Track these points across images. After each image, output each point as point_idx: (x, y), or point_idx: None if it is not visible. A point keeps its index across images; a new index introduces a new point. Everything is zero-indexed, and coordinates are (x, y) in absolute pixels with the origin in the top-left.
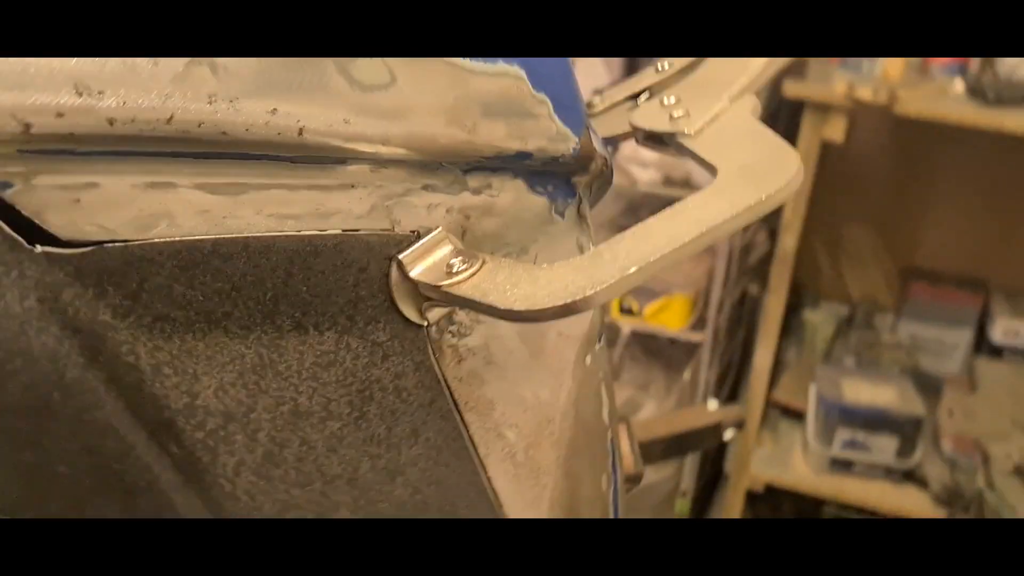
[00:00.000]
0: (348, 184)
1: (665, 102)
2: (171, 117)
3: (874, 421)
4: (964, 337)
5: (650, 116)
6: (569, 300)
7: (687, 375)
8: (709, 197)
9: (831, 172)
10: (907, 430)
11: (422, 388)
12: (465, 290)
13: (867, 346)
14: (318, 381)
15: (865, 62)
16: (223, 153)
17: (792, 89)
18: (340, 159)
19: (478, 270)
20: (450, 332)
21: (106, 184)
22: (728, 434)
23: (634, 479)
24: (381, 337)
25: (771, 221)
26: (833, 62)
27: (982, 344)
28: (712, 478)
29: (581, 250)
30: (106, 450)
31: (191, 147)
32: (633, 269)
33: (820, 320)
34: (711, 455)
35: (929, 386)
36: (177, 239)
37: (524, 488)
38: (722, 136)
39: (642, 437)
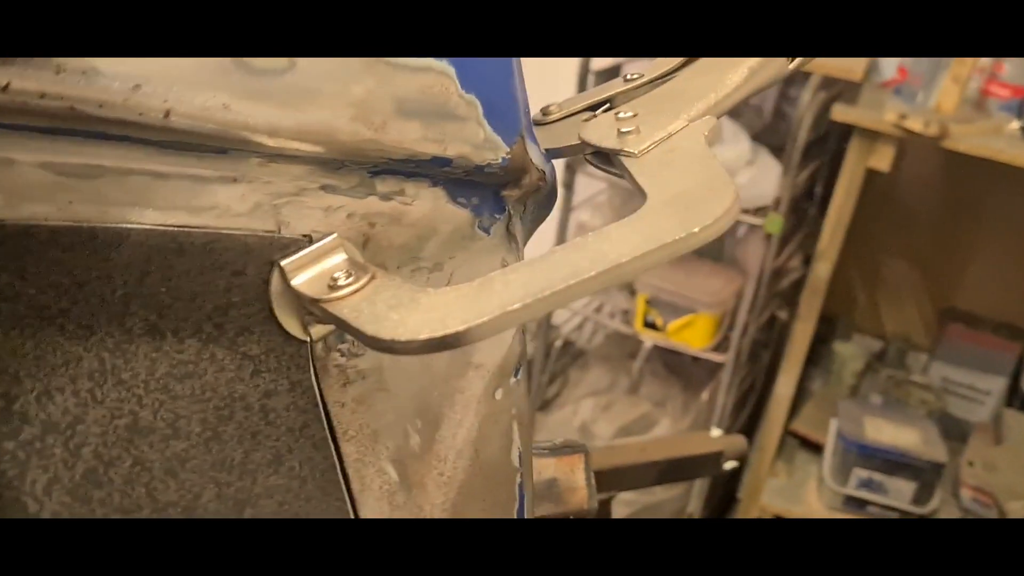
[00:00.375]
0: (229, 177)
1: (620, 116)
2: (7, 85)
3: (893, 463)
4: (998, 385)
5: (599, 130)
6: (439, 334)
7: (706, 395)
8: (626, 228)
9: (874, 202)
10: (926, 475)
11: (295, 410)
12: (341, 308)
13: (896, 384)
14: (168, 394)
15: (920, 92)
16: (75, 131)
17: (841, 114)
18: (220, 148)
19: (362, 287)
20: (339, 351)
21: None
22: (728, 465)
23: (586, 515)
24: (254, 350)
25: (806, 247)
26: (887, 89)
27: (1015, 394)
28: (722, 502)
29: None
30: None
31: (35, 121)
32: (516, 306)
33: (850, 353)
34: (723, 479)
35: (955, 432)
36: (8, 222)
37: None
38: (666, 160)
39: (637, 459)
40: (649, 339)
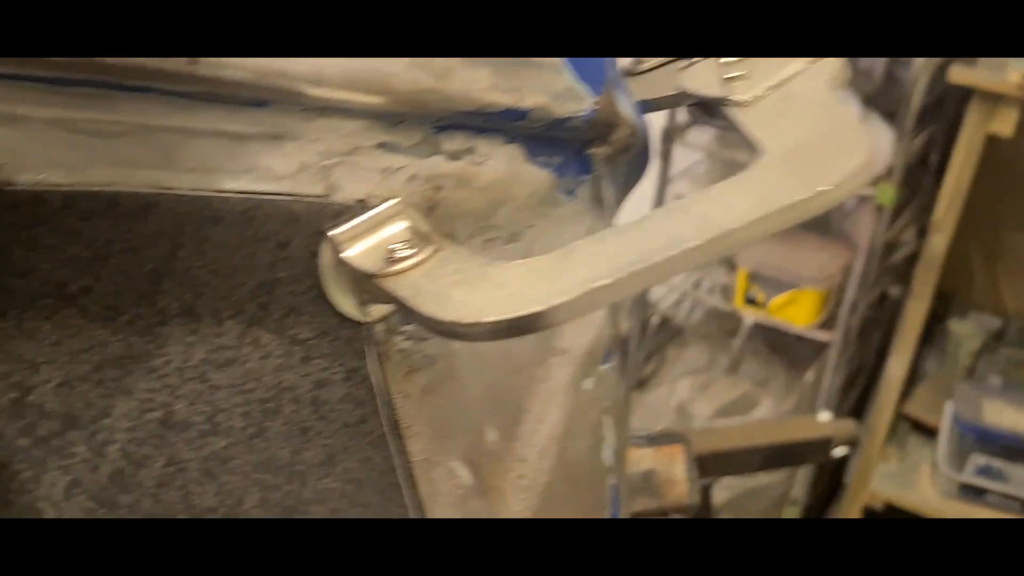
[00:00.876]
0: (270, 134)
1: (725, 59)
2: None
3: (1014, 448)
4: None
5: (701, 77)
6: (508, 316)
7: (810, 376)
8: (735, 188)
9: (996, 170)
10: None
11: (351, 403)
12: (399, 285)
13: (1016, 365)
14: (206, 384)
15: None
16: (91, 81)
17: (959, 75)
18: (258, 101)
19: (425, 260)
20: (403, 334)
21: None
22: (838, 451)
23: (686, 510)
24: (303, 333)
25: (921, 218)
26: None
27: None
28: (829, 488)
29: None
30: None
31: (46, 71)
32: (605, 281)
33: (967, 332)
34: (831, 463)
35: None
36: (17, 188)
37: None
38: (782, 108)
39: (740, 444)
40: (750, 316)
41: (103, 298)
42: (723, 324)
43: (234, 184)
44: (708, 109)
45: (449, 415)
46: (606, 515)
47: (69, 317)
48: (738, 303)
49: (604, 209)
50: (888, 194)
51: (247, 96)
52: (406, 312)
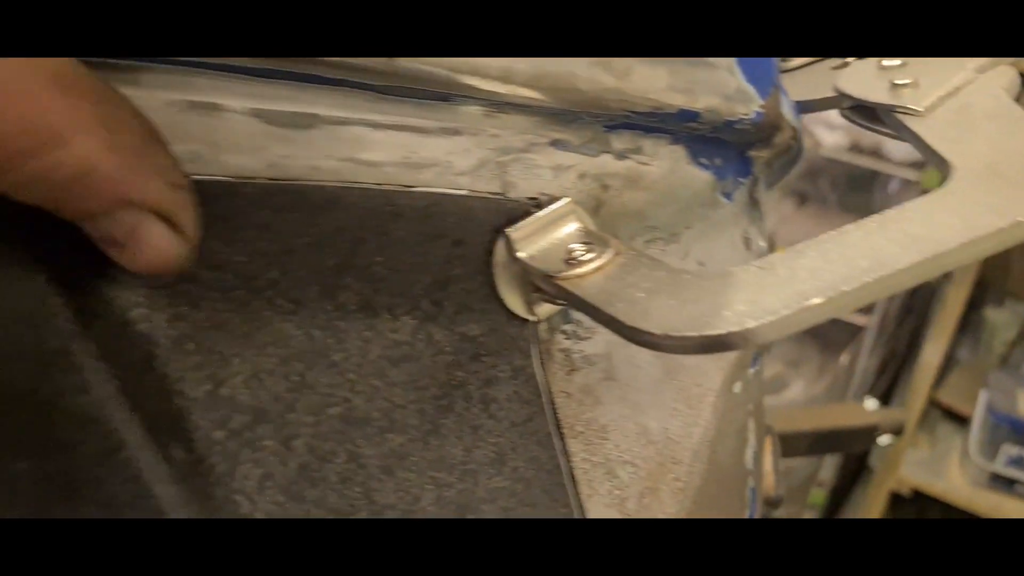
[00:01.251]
0: (452, 129)
1: (886, 63)
2: None
3: None
4: None
5: (863, 80)
6: (722, 331)
7: (844, 359)
8: (936, 207)
9: None
10: None
11: (518, 401)
12: (586, 289)
13: None
14: (383, 379)
15: None
16: (289, 72)
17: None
18: (443, 95)
19: (607, 263)
20: (564, 333)
21: (134, 98)
22: (883, 440)
23: (773, 503)
24: (473, 330)
25: None
26: None
27: None
28: (855, 471)
29: (748, 245)
30: (83, 449)
31: (249, 62)
32: (816, 300)
33: (1003, 320)
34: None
35: None
36: (215, 178)
37: None
38: (962, 119)
39: (785, 429)
40: None
41: (287, 292)
42: None
43: (417, 178)
44: (867, 114)
45: (607, 416)
46: (746, 517)
47: (257, 310)
48: None
49: (759, 212)
50: (934, 179)
51: (434, 91)
52: (598, 317)
